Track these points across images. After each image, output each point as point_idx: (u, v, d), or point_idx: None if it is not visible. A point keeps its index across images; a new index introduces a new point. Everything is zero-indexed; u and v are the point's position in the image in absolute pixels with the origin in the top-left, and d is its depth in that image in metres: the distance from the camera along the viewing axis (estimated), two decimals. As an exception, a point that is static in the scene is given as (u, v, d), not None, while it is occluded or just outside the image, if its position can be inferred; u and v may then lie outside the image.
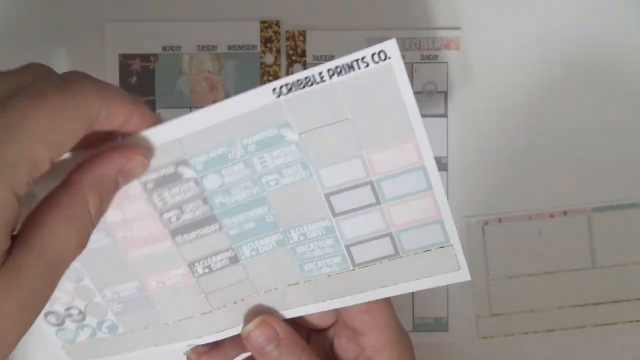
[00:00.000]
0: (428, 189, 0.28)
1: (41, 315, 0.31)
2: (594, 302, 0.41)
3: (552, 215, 0.41)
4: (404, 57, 0.41)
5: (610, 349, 0.41)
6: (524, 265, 0.41)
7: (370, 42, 0.40)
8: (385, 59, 0.25)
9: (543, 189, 0.41)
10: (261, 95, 0.26)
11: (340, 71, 0.25)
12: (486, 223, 0.41)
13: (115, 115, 0.24)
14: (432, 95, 0.40)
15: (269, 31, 0.41)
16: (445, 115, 0.40)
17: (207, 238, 0.29)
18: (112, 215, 0.28)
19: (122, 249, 0.29)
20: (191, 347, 0.32)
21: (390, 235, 0.29)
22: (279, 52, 0.41)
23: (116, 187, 0.25)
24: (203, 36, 0.41)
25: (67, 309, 0.31)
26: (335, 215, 0.29)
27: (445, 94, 0.40)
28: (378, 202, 0.28)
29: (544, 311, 0.41)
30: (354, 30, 0.40)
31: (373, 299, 0.30)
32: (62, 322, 0.32)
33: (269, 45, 0.41)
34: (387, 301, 0.31)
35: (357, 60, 0.25)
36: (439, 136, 0.40)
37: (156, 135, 0.26)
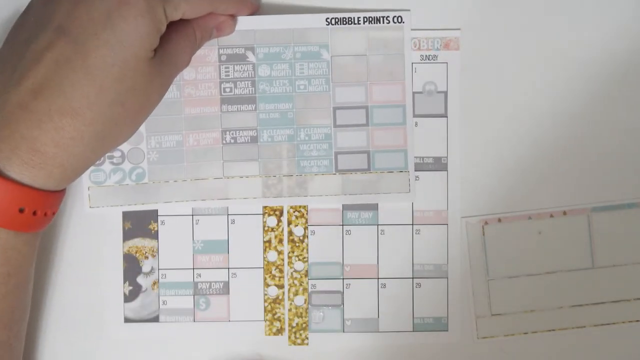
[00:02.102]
0: (403, 123, 0.39)
1: None
2: (594, 302, 0.41)
3: (552, 215, 0.41)
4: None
5: (610, 349, 0.41)
6: (524, 265, 0.41)
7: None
8: (401, 22, 0.38)
9: (543, 189, 0.41)
10: (317, 20, 0.38)
11: (372, 21, 0.38)
12: (486, 223, 0.41)
13: (225, 10, 0.37)
14: (432, 95, 0.40)
15: (269, 31, 0.41)
16: (445, 115, 0.40)
17: (243, 114, 0.38)
18: (188, 72, 0.38)
19: (183, 104, 0.38)
20: None
21: (368, 152, 0.39)
22: (279, 52, 0.41)
23: (211, 33, 0.37)
24: (203, 36, 0.41)
25: (112, 150, 0.38)
26: (335, 125, 0.39)
27: (445, 94, 0.40)
28: (367, 124, 0.39)
29: (544, 311, 0.41)
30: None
31: (342, 202, 0.39)
32: (102, 163, 0.39)
33: (269, 45, 0.41)
34: None
35: (384, 16, 0.38)
36: (438, 136, 0.40)
37: (241, 22, 0.38)
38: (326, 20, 0.37)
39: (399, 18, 0.38)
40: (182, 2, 0.33)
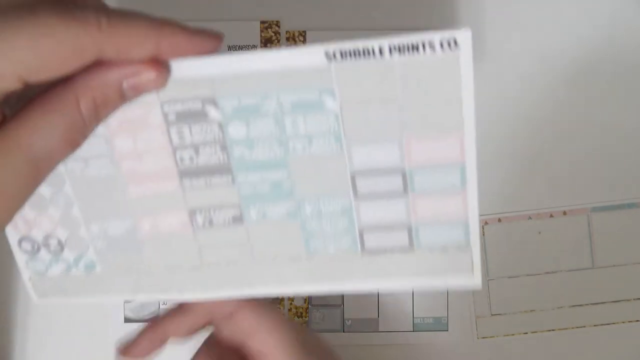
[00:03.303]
0: (461, 188, 0.26)
1: (15, 241, 0.29)
2: (594, 302, 0.41)
3: (551, 215, 0.41)
4: (404, 57, 0.41)
5: (610, 349, 0.41)
6: (524, 265, 0.41)
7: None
8: (454, 48, 0.23)
9: (543, 189, 0.41)
10: (312, 55, 0.24)
11: (403, 49, 0.24)
12: (486, 223, 0.41)
13: (127, 52, 0.22)
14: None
15: (269, 31, 0.41)
16: (445, 116, 0.40)
17: (217, 189, 0.27)
18: (123, 142, 0.27)
19: (125, 181, 0.27)
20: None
21: (409, 227, 0.27)
22: (279, 52, 0.41)
23: (121, 97, 0.23)
24: (203, 36, 0.41)
25: (46, 237, 0.29)
26: (356, 196, 0.27)
27: (445, 94, 0.40)
28: (405, 192, 0.27)
29: (544, 311, 0.41)
30: (354, 31, 0.40)
31: (375, 288, 0.29)
32: (37, 251, 0.30)
33: (269, 45, 0.41)
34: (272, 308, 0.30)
35: (423, 42, 0.23)
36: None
37: (189, 66, 0.25)
38: (326, 55, 0.24)
39: (453, 42, 0.23)
40: (13, 62, 0.20)
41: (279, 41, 0.41)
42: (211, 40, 0.24)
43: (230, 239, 0.28)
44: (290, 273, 0.29)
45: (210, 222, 0.28)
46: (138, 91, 0.24)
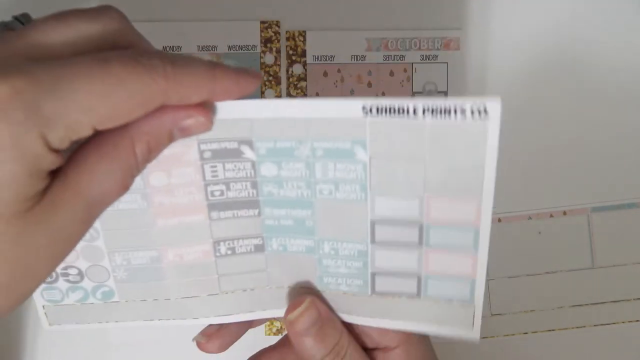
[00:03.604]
0: (473, 250, 0.27)
1: None
2: (594, 302, 0.41)
3: (552, 215, 0.41)
4: (403, 57, 0.42)
5: (610, 349, 0.41)
6: (524, 265, 0.41)
7: (370, 42, 0.40)
8: (483, 116, 0.24)
9: (543, 189, 0.41)
10: (349, 108, 0.25)
11: (435, 112, 0.25)
12: (486, 223, 0.41)
13: (188, 98, 0.23)
14: (432, 95, 0.40)
15: (269, 31, 0.41)
16: (445, 116, 0.40)
17: (242, 220, 0.29)
18: (157, 178, 0.27)
19: (154, 215, 0.28)
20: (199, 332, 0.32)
21: (419, 276, 0.29)
22: (279, 52, 0.41)
23: (170, 139, 0.24)
24: (203, 36, 0.41)
25: (66, 267, 0.30)
26: (373, 242, 0.28)
27: (445, 94, 0.40)
28: (420, 245, 0.28)
29: (544, 311, 0.41)
30: (354, 30, 0.40)
31: (380, 326, 0.30)
32: (55, 281, 0.30)
33: (269, 45, 0.41)
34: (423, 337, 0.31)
35: (455, 107, 0.24)
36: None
37: (230, 108, 0.25)
38: (362, 109, 0.25)
39: (483, 110, 0.24)
40: (86, 111, 0.21)
41: (278, 41, 0.41)
42: (254, 81, 0.25)
43: (250, 266, 0.30)
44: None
45: (233, 251, 0.29)
46: (186, 134, 0.24)
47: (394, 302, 0.29)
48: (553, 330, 0.41)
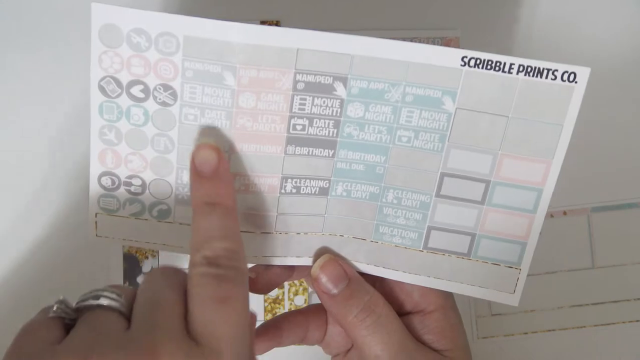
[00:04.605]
0: (533, 211, 0.29)
1: (95, 174, 0.29)
2: (594, 302, 0.41)
3: (552, 215, 0.41)
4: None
5: (610, 349, 0.41)
6: (524, 265, 0.41)
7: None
8: (572, 82, 0.27)
9: (543, 189, 0.41)
10: (449, 56, 0.26)
11: (529, 71, 0.26)
12: (486, 223, 0.41)
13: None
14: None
15: (269, 31, 0.41)
16: (445, 116, 0.40)
17: (315, 160, 0.29)
18: (246, 99, 0.27)
19: (233, 137, 0.28)
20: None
21: (473, 236, 0.29)
22: (279, 52, 0.41)
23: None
24: (203, 36, 0.41)
25: (130, 176, 0.29)
26: (438, 195, 0.29)
27: (445, 94, 0.40)
28: (482, 203, 0.29)
29: (544, 311, 0.41)
30: (354, 31, 0.40)
31: (424, 285, 0.30)
32: (116, 189, 0.29)
33: (269, 45, 0.41)
34: (456, 307, 0.31)
35: (549, 70, 0.26)
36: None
37: (338, 40, 0.26)
38: (462, 59, 0.26)
39: (572, 75, 0.27)
40: None
41: (279, 41, 0.41)
42: None
43: (309, 209, 0.30)
44: (350, 252, 0.30)
45: (298, 190, 0.29)
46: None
47: (443, 260, 0.30)
48: (553, 330, 0.41)
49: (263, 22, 0.41)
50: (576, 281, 0.41)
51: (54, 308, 0.23)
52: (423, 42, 0.40)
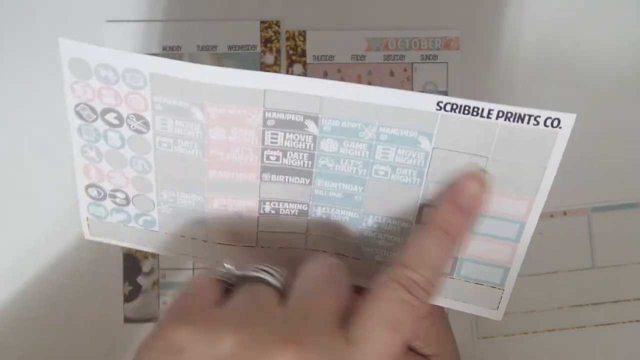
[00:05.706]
0: (515, 241, 0.28)
1: (82, 185, 0.30)
2: (594, 302, 0.41)
3: (552, 215, 0.41)
4: (403, 57, 0.42)
5: (610, 349, 0.41)
6: (525, 265, 0.40)
7: (370, 42, 0.40)
8: (555, 127, 0.26)
9: (543, 189, 0.41)
10: (424, 101, 0.26)
11: (509, 117, 0.26)
12: (486, 223, 0.41)
13: None
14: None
15: (269, 31, 0.41)
16: (445, 116, 0.40)
17: (292, 186, 0.29)
18: (216, 133, 0.28)
19: (206, 164, 0.29)
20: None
21: (455, 259, 0.29)
22: (279, 52, 0.41)
23: None
24: (203, 36, 0.41)
25: (114, 190, 0.30)
26: (419, 221, 0.29)
27: (445, 93, 0.40)
28: None
29: (544, 311, 0.41)
30: (354, 30, 0.40)
31: None
32: (102, 199, 0.31)
33: (269, 45, 0.41)
34: (445, 314, 0.32)
35: (530, 115, 0.26)
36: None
37: (305, 84, 0.26)
38: (437, 104, 0.26)
39: (556, 121, 0.26)
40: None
41: (278, 41, 0.41)
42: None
43: (290, 227, 0.30)
44: None
45: (277, 212, 0.30)
46: None
47: None
48: (553, 330, 0.41)
49: (263, 22, 0.41)
50: (576, 281, 0.41)
51: (222, 271, 0.25)
52: (424, 42, 0.40)
